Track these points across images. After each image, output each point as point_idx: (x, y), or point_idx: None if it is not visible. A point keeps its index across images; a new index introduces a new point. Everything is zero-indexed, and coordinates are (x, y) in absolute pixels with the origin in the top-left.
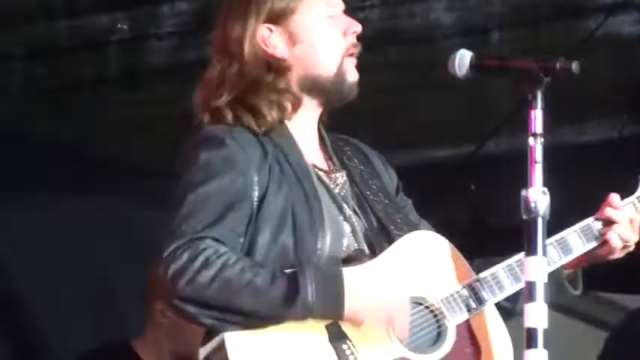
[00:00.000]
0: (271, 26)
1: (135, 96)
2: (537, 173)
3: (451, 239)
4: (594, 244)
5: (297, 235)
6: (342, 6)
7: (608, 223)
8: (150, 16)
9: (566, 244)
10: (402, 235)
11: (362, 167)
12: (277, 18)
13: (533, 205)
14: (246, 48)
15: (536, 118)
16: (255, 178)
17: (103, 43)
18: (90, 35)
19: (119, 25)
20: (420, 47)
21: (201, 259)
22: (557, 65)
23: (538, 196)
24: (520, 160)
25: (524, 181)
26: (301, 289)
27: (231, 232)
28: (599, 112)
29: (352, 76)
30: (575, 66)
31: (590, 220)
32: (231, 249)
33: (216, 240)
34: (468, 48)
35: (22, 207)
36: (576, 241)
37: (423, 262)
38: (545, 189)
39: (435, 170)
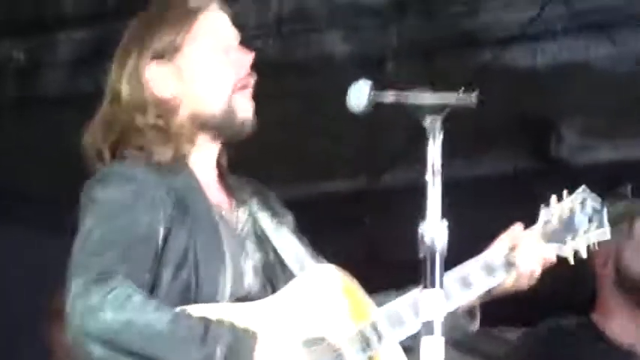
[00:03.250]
0: (160, 62)
1: (29, 123)
2: (435, 208)
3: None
4: (501, 276)
5: (199, 272)
6: (236, 38)
7: (513, 250)
8: (46, 45)
9: (467, 279)
10: (301, 271)
11: (261, 205)
12: (164, 54)
13: (430, 240)
14: (128, 89)
15: (435, 152)
16: (160, 215)
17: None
18: None
19: (15, 54)
20: (316, 78)
21: (110, 298)
22: (456, 96)
23: (436, 231)
24: (416, 194)
25: (421, 215)
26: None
27: (138, 269)
28: (494, 145)
29: (244, 112)
30: (474, 97)
31: (493, 252)
32: (139, 286)
33: (124, 277)
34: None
35: None
36: (478, 274)
37: (322, 297)
38: (444, 222)
39: (330, 203)
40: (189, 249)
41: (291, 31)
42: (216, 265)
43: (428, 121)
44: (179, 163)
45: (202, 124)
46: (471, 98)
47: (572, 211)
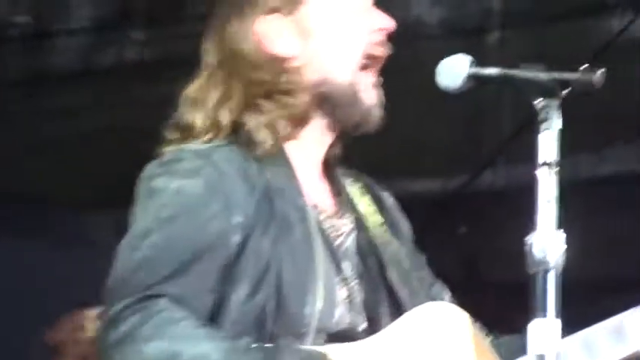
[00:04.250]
0: (275, 17)
1: (39, 107)
2: (548, 215)
3: None
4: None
5: (281, 296)
6: None
7: None
8: (58, 5)
9: (623, 332)
10: (415, 305)
11: (374, 212)
12: (283, 6)
13: (542, 255)
14: (241, 45)
15: (549, 143)
16: (236, 220)
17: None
18: None
19: (18, 18)
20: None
21: (151, 324)
22: (577, 76)
23: (549, 243)
24: (523, 196)
25: (529, 224)
26: None
27: (195, 289)
28: (622, 137)
29: (369, 97)
30: (599, 76)
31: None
32: (193, 311)
33: (176, 299)
34: (459, 52)
35: None
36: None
37: (434, 344)
38: (560, 233)
39: (413, 207)
40: (270, 265)
41: None
42: (304, 290)
43: (541, 106)
44: (278, 150)
45: (324, 99)
46: (596, 77)
47: None
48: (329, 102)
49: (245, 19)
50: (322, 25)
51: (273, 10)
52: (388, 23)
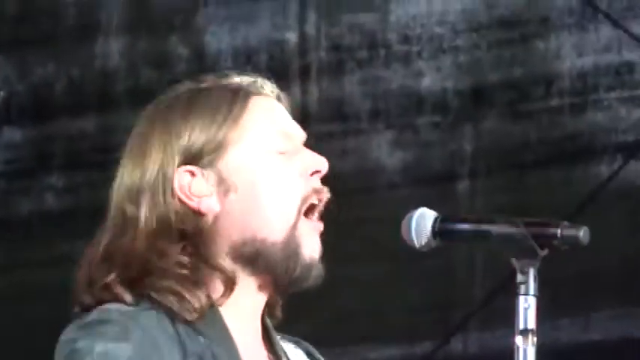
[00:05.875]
0: (192, 168)
1: None
2: None
3: None
4: None
5: None
6: (301, 136)
7: None
8: None
9: None
10: None
11: None
12: (200, 156)
13: None
14: (152, 201)
15: (528, 308)
16: None
17: None
18: None
19: None
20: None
21: None
22: (559, 232)
23: None
24: None
25: None
26: None
27: None
28: (610, 298)
29: (312, 249)
30: (583, 234)
31: None
32: None
33: None
34: (425, 204)
35: None
36: None
37: None
38: None
39: None
40: None
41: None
42: None
43: (518, 266)
44: (210, 310)
45: (251, 259)
46: (580, 233)
47: None
48: (258, 261)
49: (160, 170)
50: (245, 178)
51: (191, 160)
52: (322, 164)
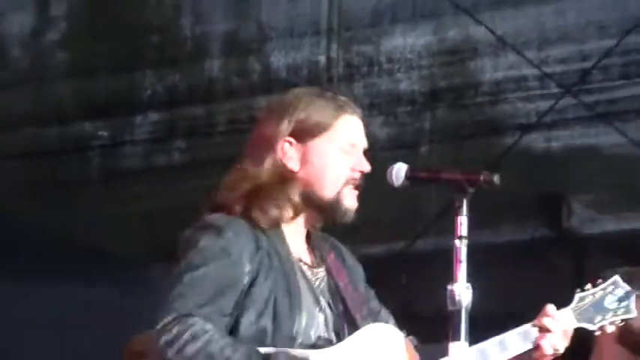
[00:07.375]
0: (292, 140)
1: (113, 194)
2: (462, 270)
3: None
4: (529, 346)
5: (277, 320)
6: (363, 145)
7: (543, 330)
8: (126, 125)
9: (504, 344)
10: (364, 325)
11: (337, 263)
12: (300, 135)
13: (457, 298)
14: (269, 153)
15: (462, 223)
16: (247, 268)
17: (86, 147)
18: (75, 140)
19: (100, 132)
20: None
21: (188, 333)
22: (481, 177)
23: (462, 290)
24: (446, 257)
25: (450, 277)
26: None
27: (218, 313)
28: (514, 217)
29: (350, 202)
30: (496, 178)
31: (528, 326)
32: (217, 327)
33: (205, 319)
34: (402, 160)
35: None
36: (514, 341)
37: (378, 351)
38: (469, 284)
39: (368, 265)
40: (270, 299)
41: None
42: (293, 316)
43: (456, 197)
44: (276, 227)
45: (311, 204)
46: (494, 178)
47: (603, 297)
48: (314, 205)
49: (277, 132)
50: (322, 158)
51: (294, 135)
52: (365, 167)
